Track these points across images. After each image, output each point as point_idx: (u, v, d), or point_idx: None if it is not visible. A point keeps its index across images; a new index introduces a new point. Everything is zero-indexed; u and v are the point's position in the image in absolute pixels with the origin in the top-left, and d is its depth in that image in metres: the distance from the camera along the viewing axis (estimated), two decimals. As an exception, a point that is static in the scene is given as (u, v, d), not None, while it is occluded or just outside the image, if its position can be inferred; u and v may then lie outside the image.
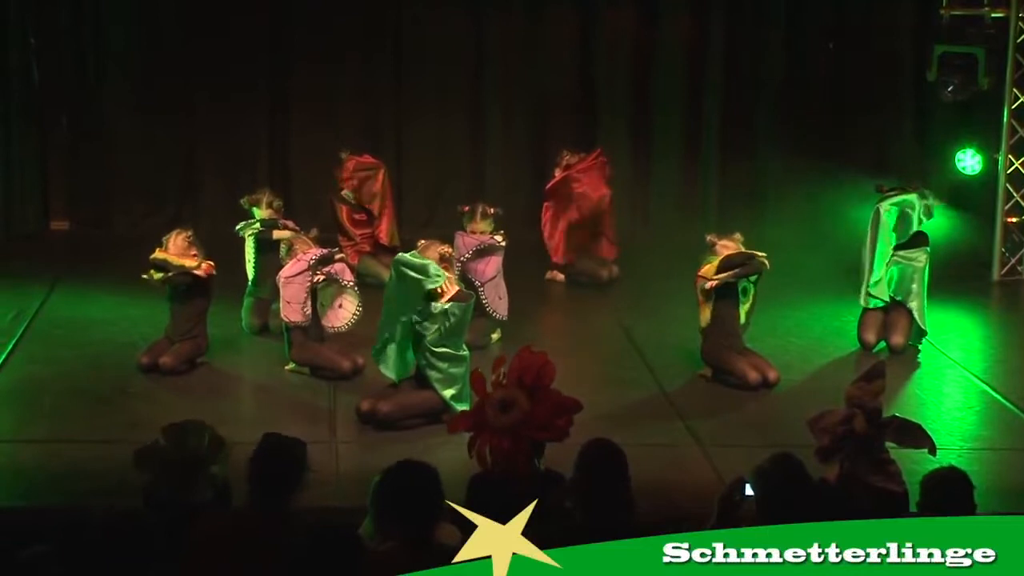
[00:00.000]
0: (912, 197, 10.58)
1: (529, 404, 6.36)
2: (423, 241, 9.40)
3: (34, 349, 10.17)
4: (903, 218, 10.54)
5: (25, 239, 13.64)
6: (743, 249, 9.79)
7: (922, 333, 10.63)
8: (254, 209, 10.83)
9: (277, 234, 10.44)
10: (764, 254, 9.74)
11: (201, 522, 5.29)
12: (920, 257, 10.56)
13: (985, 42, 12.97)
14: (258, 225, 10.60)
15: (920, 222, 10.60)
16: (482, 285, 10.38)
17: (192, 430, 5.98)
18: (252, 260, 10.63)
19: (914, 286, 10.53)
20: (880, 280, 10.57)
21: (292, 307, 9.64)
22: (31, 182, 13.95)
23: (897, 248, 10.56)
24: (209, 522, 5.31)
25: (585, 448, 5.26)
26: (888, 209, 10.53)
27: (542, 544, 4.85)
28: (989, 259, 13.22)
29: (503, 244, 10.52)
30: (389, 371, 8.96)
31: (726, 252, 9.74)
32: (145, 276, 9.72)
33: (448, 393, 8.71)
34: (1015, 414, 9.49)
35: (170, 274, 9.64)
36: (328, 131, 13.55)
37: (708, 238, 9.96)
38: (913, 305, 10.53)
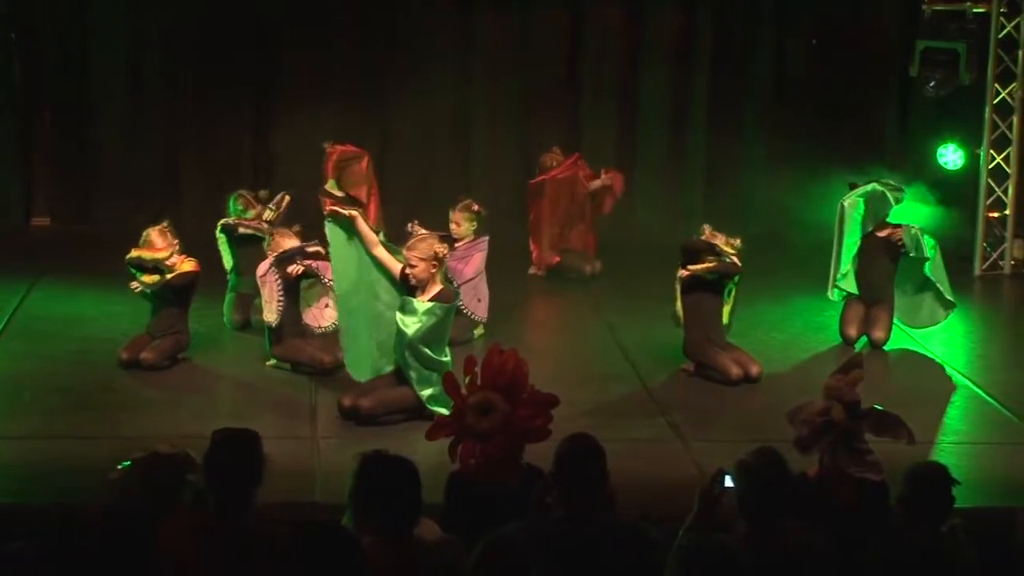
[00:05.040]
0: (874, 186, 10.63)
1: (508, 405, 6.33)
2: (422, 231, 9.30)
3: (15, 345, 10.15)
4: (873, 205, 10.57)
5: (7, 235, 13.61)
6: (728, 246, 9.77)
7: (950, 305, 10.68)
8: (241, 208, 10.82)
9: (243, 228, 10.47)
10: (734, 253, 9.71)
11: (167, 528, 5.21)
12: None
13: (967, 37, 13.01)
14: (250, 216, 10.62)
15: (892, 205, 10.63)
16: (459, 286, 10.33)
17: (166, 459, 5.86)
18: (226, 254, 10.61)
19: (935, 255, 10.56)
20: (847, 273, 10.63)
21: (267, 306, 9.66)
22: (13, 178, 13.92)
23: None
24: (175, 528, 5.22)
25: (563, 444, 5.25)
26: (852, 202, 10.60)
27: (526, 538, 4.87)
28: (971, 254, 13.25)
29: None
30: (362, 374, 8.95)
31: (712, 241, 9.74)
32: (138, 287, 9.68)
33: (425, 393, 8.65)
34: (995, 408, 9.51)
35: (168, 277, 9.61)
36: (313, 127, 13.51)
37: (704, 227, 9.94)
38: (933, 274, 10.57)
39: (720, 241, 9.76)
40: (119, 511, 5.24)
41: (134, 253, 9.66)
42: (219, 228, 10.70)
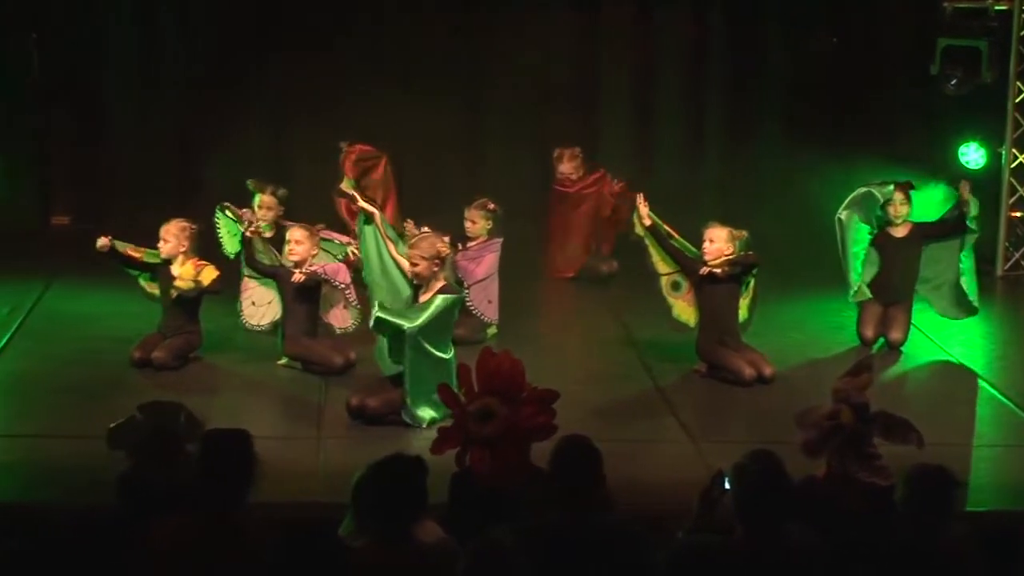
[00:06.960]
0: (860, 190, 10.51)
1: (507, 408, 6.27)
2: (425, 229, 9.25)
3: (28, 344, 10.14)
4: (864, 207, 10.46)
5: (26, 235, 13.59)
6: (732, 237, 9.70)
7: (972, 309, 10.64)
8: (259, 195, 10.80)
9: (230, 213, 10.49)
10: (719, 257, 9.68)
11: (159, 529, 5.18)
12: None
13: (988, 35, 12.88)
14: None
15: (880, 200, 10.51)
16: (468, 287, 10.27)
17: (167, 407, 5.90)
18: (229, 236, 10.55)
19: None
20: (860, 285, 10.50)
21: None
22: (33, 178, 13.93)
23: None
24: (167, 528, 5.19)
25: (558, 445, 5.22)
26: (847, 213, 10.46)
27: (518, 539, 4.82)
28: (993, 254, 13.12)
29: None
30: (385, 365, 8.91)
31: (712, 235, 9.66)
32: (175, 293, 9.69)
33: (411, 402, 8.55)
34: (1013, 411, 9.40)
35: (205, 284, 9.63)
36: (328, 127, 13.48)
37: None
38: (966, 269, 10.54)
39: (724, 234, 9.67)
40: (108, 510, 5.21)
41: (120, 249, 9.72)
42: (219, 209, 10.57)
